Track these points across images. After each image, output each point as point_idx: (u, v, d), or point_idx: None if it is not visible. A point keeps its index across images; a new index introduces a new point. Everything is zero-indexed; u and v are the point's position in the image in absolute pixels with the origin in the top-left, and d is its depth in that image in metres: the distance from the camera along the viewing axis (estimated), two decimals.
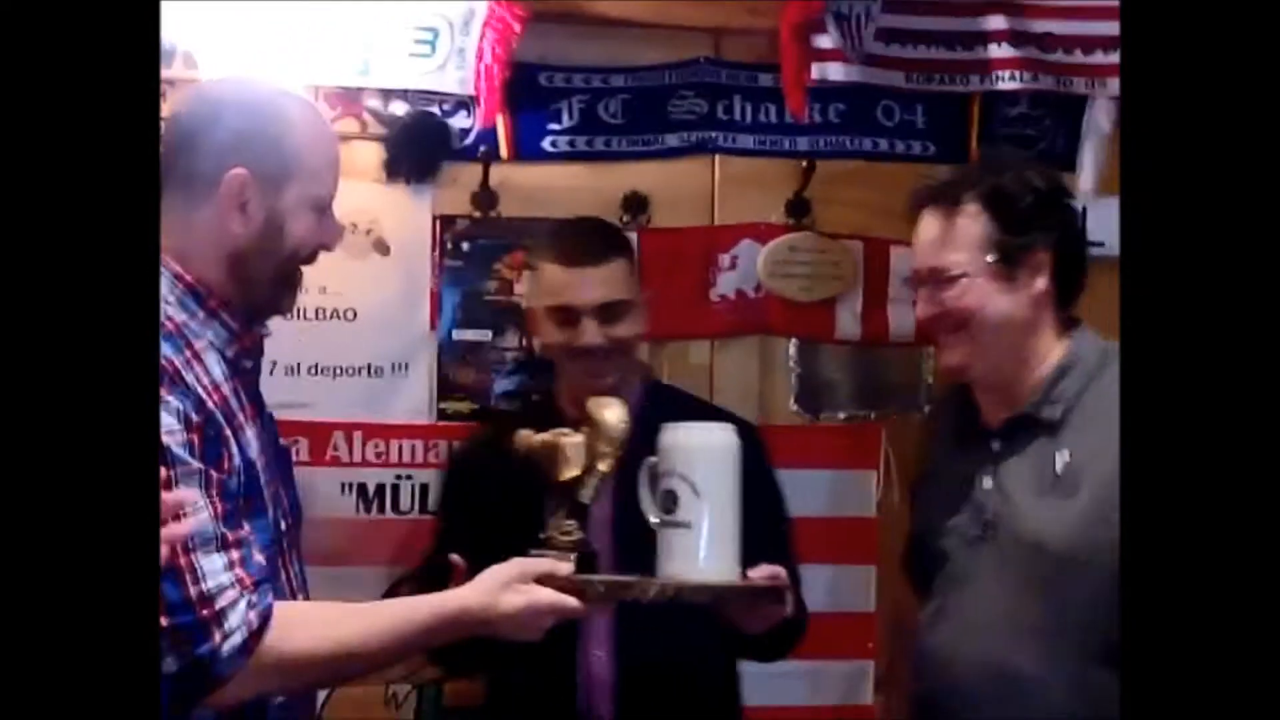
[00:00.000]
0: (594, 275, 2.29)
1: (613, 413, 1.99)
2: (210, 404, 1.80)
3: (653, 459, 1.98)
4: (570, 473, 1.98)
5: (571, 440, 1.98)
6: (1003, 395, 2.09)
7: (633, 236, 3.35)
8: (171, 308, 1.82)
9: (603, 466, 1.98)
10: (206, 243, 1.86)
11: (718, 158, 3.41)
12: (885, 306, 3.40)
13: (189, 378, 1.79)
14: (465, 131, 3.25)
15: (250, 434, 1.88)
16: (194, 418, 1.76)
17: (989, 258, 2.03)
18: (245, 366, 1.93)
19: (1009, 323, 2.05)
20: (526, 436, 2.03)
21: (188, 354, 1.81)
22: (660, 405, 2.30)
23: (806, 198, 3.40)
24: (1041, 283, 2.05)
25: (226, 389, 1.85)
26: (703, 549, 1.91)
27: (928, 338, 2.21)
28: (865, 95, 3.39)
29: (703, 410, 2.42)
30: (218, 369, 1.85)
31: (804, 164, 3.38)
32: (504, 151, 3.27)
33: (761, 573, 1.96)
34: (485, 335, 3.28)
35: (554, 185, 3.28)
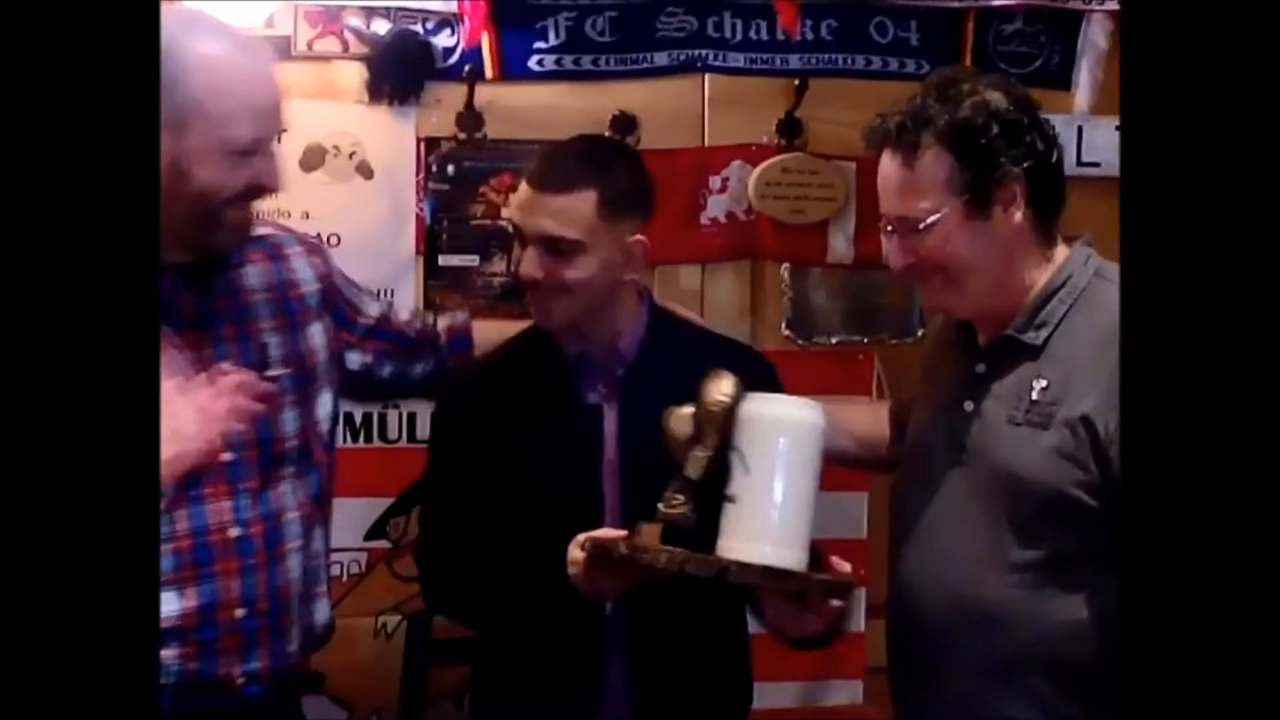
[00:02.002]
0: (547, 203, 2.10)
1: (716, 386, 1.92)
2: None
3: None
4: (677, 446, 1.93)
5: (680, 413, 1.93)
6: (992, 318, 2.03)
7: None
8: None
9: (708, 442, 1.91)
10: None
11: (707, 76, 3.34)
12: (879, 229, 3.35)
13: None
14: (449, 50, 3.18)
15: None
16: None
17: (959, 199, 1.94)
18: (175, 296, 1.94)
19: (989, 261, 1.97)
20: (668, 412, 1.97)
21: None
22: (666, 336, 2.23)
23: (798, 118, 3.35)
24: (1018, 214, 1.94)
25: None
26: (745, 527, 1.86)
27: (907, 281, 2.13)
28: (858, 11, 3.33)
29: (713, 341, 2.35)
30: None
31: (796, 83, 3.32)
32: (489, 71, 3.20)
33: (831, 569, 1.90)
34: (472, 260, 3.23)
35: (540, 105, 3.22)
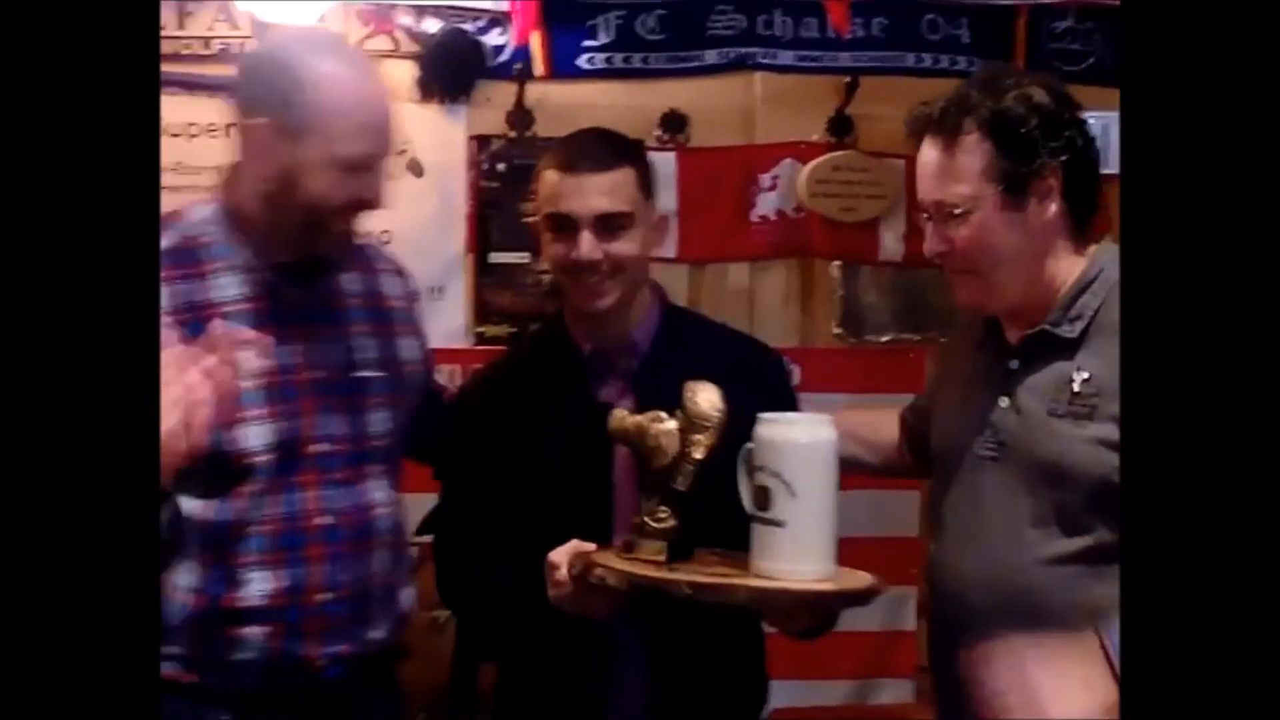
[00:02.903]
0: (595, 182, 2.09)
1: (706, 398, 1.91)
2: (199, 315, 1.95)
3: (749, 446, 1.92)
4: (662, 460, 1.93)
5: (664, 427, 1.92)
6: (1023, 315, 2.04)
7: (671, 156, 3.32)
8: (209, 226, 2.03)
9: (696, 454, 1.91)
10: (245, 178, 2.02)
11: (758, 74, 3.34)
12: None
13: (184, 287, 1.97)
14: (499, 49, 3.20)
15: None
16: (180, 315, 1.93)
17: (996, 188, 1.96)
18: (280, 292, 2.04)
19: (1022, 254, 1.97)
20: (620, 418, 1.96)
21: (202, 269, 2.00)
22: (679, 332, 2.23)
23: (849, 115, 3.34)
24: (1053, 207, 1.95)
25: (234, 309, 1.98)
26: (797, 550, 1.87)
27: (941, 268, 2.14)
28: (909, 9, 3.32)
29: (725, 336, 2.34)
30: (232, 289, 2.00)
31: (846, 80, 3.31)
32: (539, 69, 3.21)
33: (859, 580, 1.90)
34: (523, 258, 3.24)
35: (590, 104, 3.22)
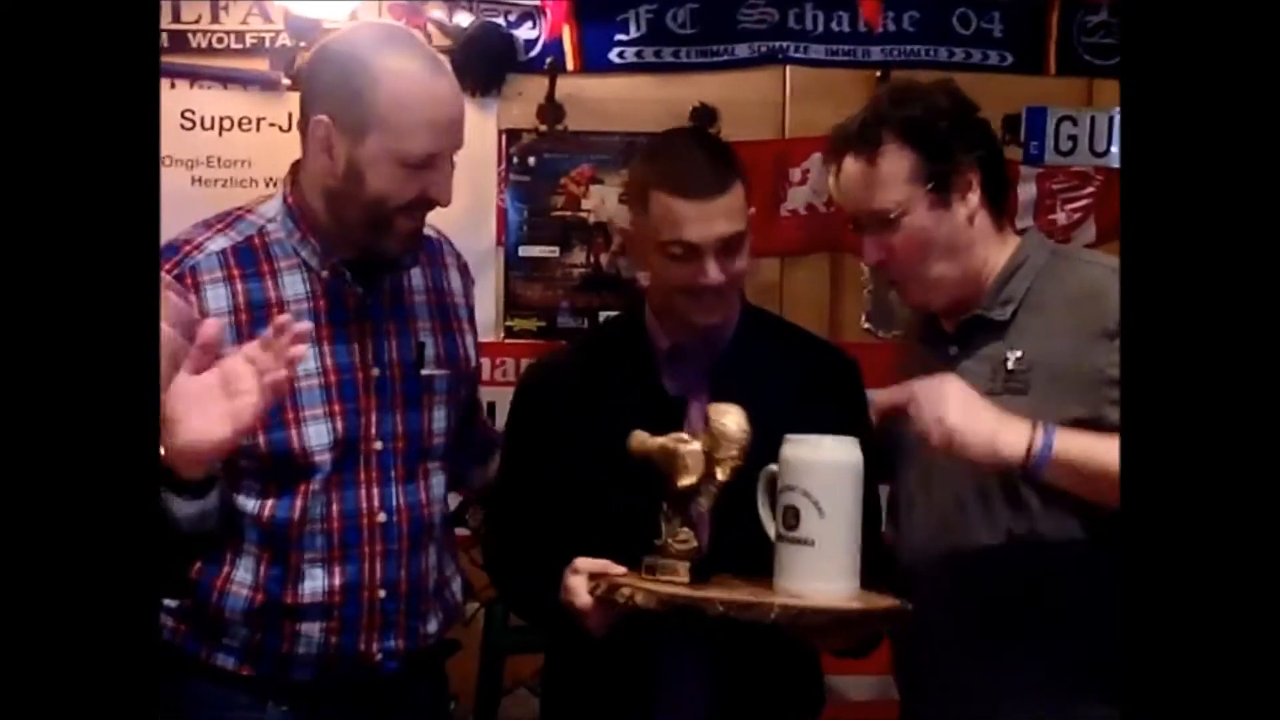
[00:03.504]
0: (717, 207, 2.05)
1: (733, 420, 1.90)
2: (261, 313, 1.94)
3: (773, 468, 1.92)
4: (687, 480, 1.92)
5: (690, 448, 1.91)
6: (959, 307, 2.11)
7: None
8: (273, 224, 2.02)
9: (721, 475, 1.91)
10: (310, 175, 2.00)
11: (788, 68, 3.34)
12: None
13: (250, 285, 1.97)
14: (531, 43, 3.21)
15: (312, 353, 1.95)
16: (241, 314, 1.94)
17: (923, 189, 2.05)
18: (342, 290, 2.03)
19: (955, 247, 2.08)
20: (641, 440, 1.95)
21: (266, 266, 2.00)
22: (758, 330, 2.22)
23: None
24: (974, 199, 2.07)
25: (297, 307, 1.97)
26: (826, 569, 1.87)
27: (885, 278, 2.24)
28: (941, 3, 3.32)
29: (802, 338, 2.33)
30: (300, 286, 2.00)
31: (877, 74, 3.31)
32: (570, 63, 3.22)
33: (883, 601, 1.91)
34: (552, 251, 3.25)
35: (621, 98, 3.23)
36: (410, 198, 1.97)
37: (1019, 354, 2.02)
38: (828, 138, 2.15)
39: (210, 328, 1.70)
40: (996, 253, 2.10)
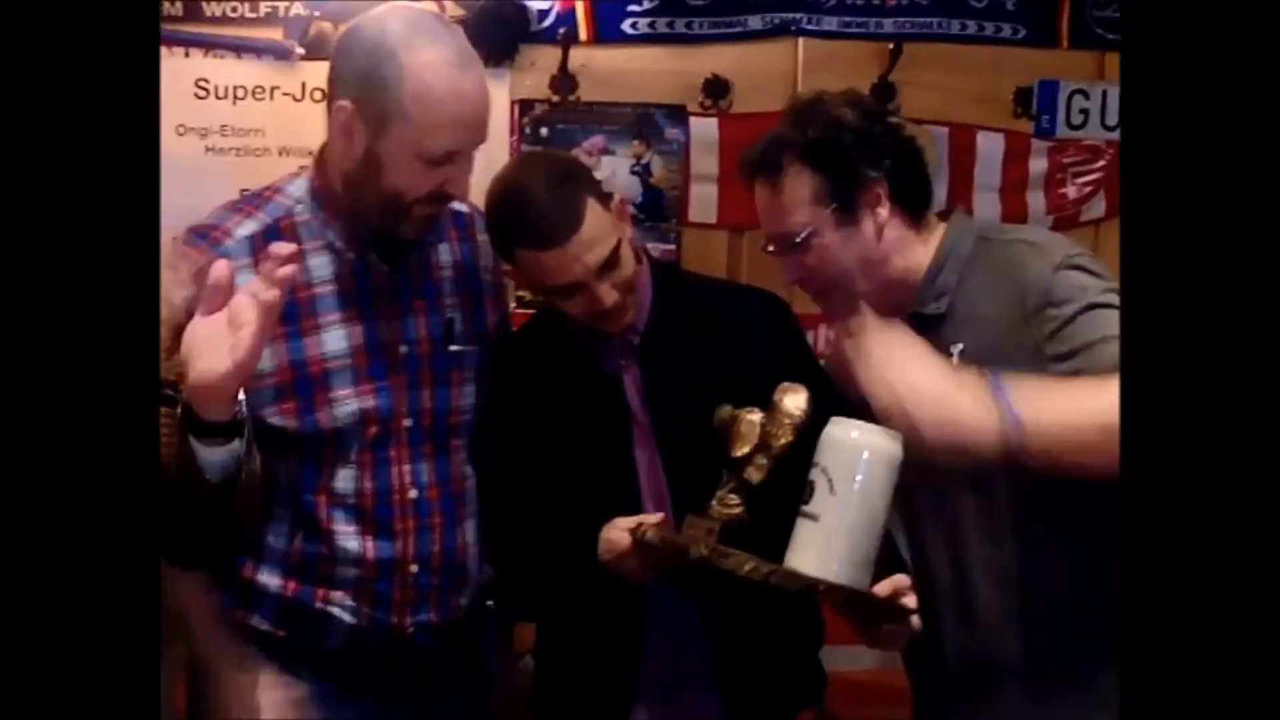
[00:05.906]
0: (580, 243, 2.02)
1: (793, 399, 1.95)
2: (289, 296, 1.85)
3: (726, 408, 1.97)
4: (742, 449, 1.96)
5: (748, 419, 1.96)
6: (896, 310, 2.10)
7: (713, 122, 3.33)
8: (300, 205, 2.03)
9: (775, 448, 1.95)
10: (332, 159, 2.00)
11: (800, 40, 3.34)
12: (970, 193, 3.34)
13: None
14: (544, 13, 3.21)
15: (327, 336, 2.00)
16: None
17: (827, 209, 2.04)
18: (368, 269, 2.04)
19: (869, 260, 2.07)
20: (721, 410, 1.98)
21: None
22: (674, 295, 2.22)
23: (892, 82, 3.34)
24: (884, 212, 2.05)
25: (324, 288, 2.00)
26: (821, 545, 1.88)
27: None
28: None
29: (719, 290, 2.35)
30: (327, 268, 2.01)
31: (890, 47, 3.30)
32: (583, 34, 3.22)
33: (884, 586, 1.92)
34: None
35: (634, 68, 3.24)
36: (426, 192, 1.96)
37: (960, 346, 2.01)
38: (739, 164, 2.15)
39: (220, 268, 1.68)
40: (920, 252, 2.09)
